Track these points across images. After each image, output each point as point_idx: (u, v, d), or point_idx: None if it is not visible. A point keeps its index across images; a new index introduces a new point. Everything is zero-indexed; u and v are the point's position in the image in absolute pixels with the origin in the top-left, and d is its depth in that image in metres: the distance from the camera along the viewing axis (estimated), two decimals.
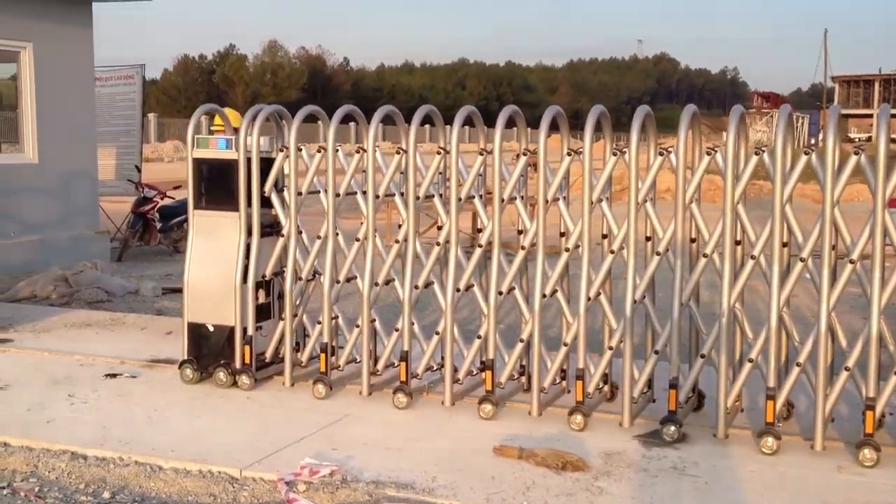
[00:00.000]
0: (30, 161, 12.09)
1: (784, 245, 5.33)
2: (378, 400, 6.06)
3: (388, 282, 6.20)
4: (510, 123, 6.00)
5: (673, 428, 5.34)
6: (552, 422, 5.64)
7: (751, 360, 5.35)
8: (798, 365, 5.26)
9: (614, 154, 5.67)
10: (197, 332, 6.44)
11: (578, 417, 5.55)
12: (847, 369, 5.16)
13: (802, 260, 5.22)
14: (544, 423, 5.65)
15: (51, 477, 4.88)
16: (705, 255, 5.48)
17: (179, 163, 35.75)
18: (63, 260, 11.54)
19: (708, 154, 5.48)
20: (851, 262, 5.11)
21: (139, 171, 15.17)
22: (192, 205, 6.46)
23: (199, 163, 6.43)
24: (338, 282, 6.28)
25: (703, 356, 5.51)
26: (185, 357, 6.47)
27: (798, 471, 4.91)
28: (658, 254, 5.57)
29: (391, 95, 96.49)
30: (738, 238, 5.49)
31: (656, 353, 5.62)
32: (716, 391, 5.42)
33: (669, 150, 5.55)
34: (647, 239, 5.75)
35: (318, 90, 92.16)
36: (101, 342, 7.67)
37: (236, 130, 6.60)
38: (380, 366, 6.27)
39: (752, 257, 5.34)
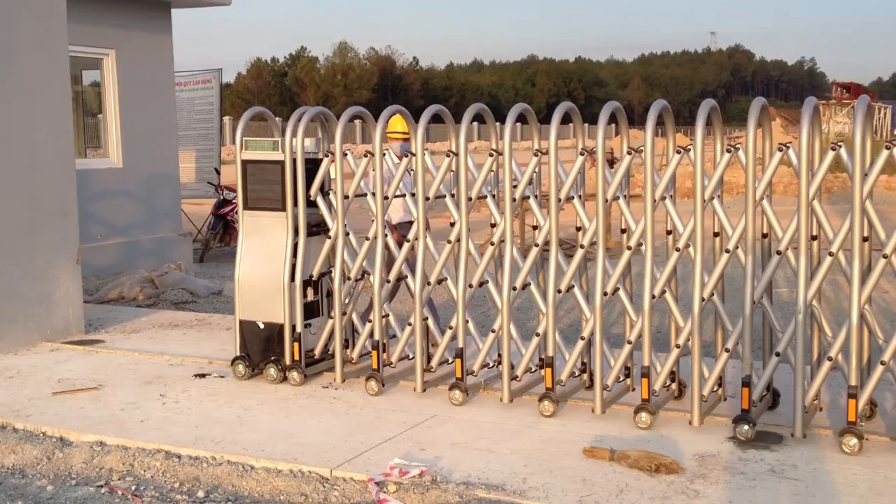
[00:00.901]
0: (114, 165, 12.38)
1: (865, 240, 5.16)
2: (468, 402, 6.03)
3: (440, 281, 6.25)
4: (569, 120, 5.96)
5: (746, 427, 5.23)
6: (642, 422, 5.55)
7: (830, 359, 5.18)
8: (882, 363, 5.08)
9: (678, 152, 5.55)
10: (248, 330, 6.60)
11: (644, 415, 5.47)
12: None
13: (885, 256, 5.05)
14: (634, 424, 5.56)
15: (146, 476, 4.97)
16: (779, 253, 5.35)
17: None
18: (148, 262, 11.81)
19: (780, 150, 5.33)
20: None
21: (218, 173, 15.42)
22: (242, 205, 6.63)
23: (247, 164, 6.57)
24: (388, 281, 6.36)
25: (777, 354, 5.37)
26: (238, 354, 6.64)
27: None
28: (727, 251, 5.45)
29: (461, 94, 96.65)
30: (815, 233, 5.33)
31: (727, 351, 5.50)
32: (792, 390, 5.26)
33: (738, 146, 5.42)
34: (715, 235, 5.64)
35: (388, 90, 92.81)
36: (188, 342, 7.81)
37: (405, 135, 6.54)
38: (434, 363, 6.36)
39: (831, 254, 5.17)
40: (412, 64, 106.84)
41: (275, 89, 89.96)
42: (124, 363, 7.15)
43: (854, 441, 4.99)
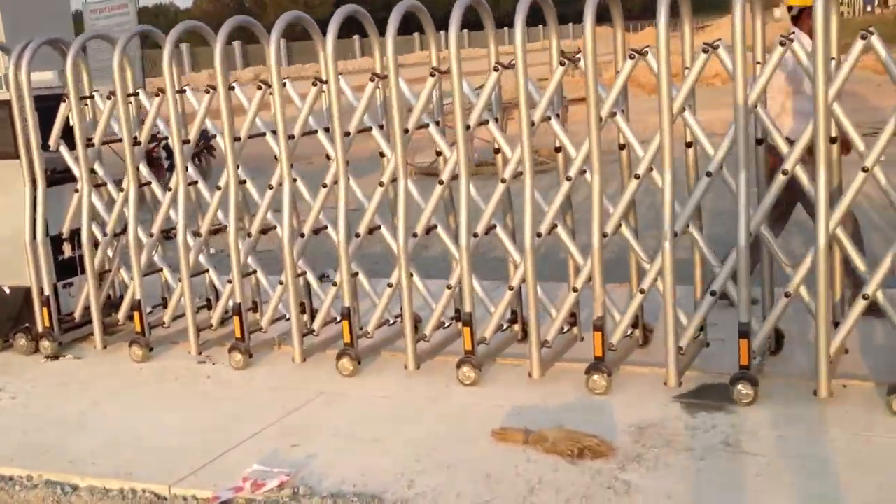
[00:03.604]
0: None
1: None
2: (364, 376, 4.98)
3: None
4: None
5: (598, 376, 4.39)
6: (568, 385, 4.52)
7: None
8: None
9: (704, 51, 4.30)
10: None
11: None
12: None
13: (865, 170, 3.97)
14: (560, 387, 4.53)
15: None
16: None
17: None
18: None
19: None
20: None
21: None
22: None
23: None
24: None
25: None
26: None
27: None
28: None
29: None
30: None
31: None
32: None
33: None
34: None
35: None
36: None
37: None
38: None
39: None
40: None
41: (233, 13, 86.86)
42: None
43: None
